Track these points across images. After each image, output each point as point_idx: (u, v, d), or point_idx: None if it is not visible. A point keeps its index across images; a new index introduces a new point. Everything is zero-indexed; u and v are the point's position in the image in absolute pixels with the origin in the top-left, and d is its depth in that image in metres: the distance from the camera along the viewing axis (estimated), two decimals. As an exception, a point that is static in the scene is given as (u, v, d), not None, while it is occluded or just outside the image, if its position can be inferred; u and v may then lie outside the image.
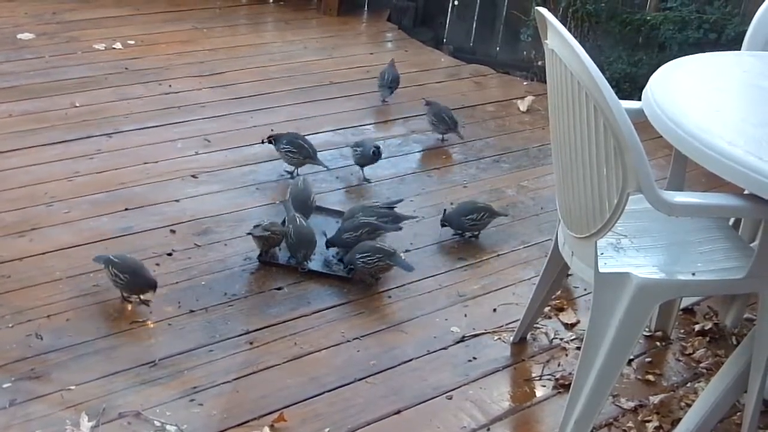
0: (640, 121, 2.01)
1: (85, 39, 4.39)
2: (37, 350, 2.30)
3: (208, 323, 2.48)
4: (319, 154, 3.38)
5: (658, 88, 2.09)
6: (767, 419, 2.28)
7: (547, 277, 2.39)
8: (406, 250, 2.90)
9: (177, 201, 3.08)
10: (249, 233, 2.76)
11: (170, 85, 3.98)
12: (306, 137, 3.32)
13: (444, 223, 2.98)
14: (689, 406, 2.27)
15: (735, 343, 2.57)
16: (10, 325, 2.38)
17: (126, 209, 2.99)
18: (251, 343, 2.42)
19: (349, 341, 2.47)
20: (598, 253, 1.97)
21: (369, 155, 3.27)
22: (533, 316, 2.50)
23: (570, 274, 2.56)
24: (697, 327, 2.65)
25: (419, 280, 2.77)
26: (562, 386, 2.35)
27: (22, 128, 3.47)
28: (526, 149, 3.77)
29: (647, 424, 2.26)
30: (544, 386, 2.38)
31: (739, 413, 2.26)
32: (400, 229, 2.92)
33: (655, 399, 2.34)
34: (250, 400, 2.21)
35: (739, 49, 2.53)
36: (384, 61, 4.36)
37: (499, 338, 2.54)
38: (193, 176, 3.25)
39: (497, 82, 4.54)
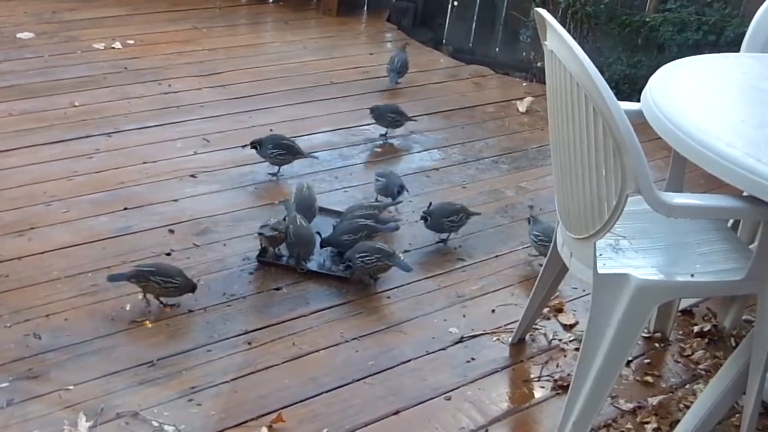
0: (639, 122, 2.01)
1: (84, 38, 4.39)
2: (35, 350, 2.30)
3: (207, 323, 2.48)
4: (317, 154, 3.38)
5: (658, 90, 2.09)
6: (766, 421, 2.28)
7: (545, 278, 2.39)
8: (405, 251, 2.90)
9: (176, 201, 3.08)
10: (260, 233, 2.75)
11: (170, 85, 3.98)
12: (282, 140, 3.29)
13: (426, 217, 2.93)
14: (688, 407, 2.27)
15: (734, 344, 2.57)
16: (8, 325, 2.38)
17: (125, 209, 2.99)
18: (250, 344, 2.42)
19: (347, 341, 2.47)
20: (597, 254, 1.97)
21: (393, 193, 3.08)
22: (532, 317, 2.50)
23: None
24: (695, 328, 2.65)
25: (418, 281, 2.77)
26: (561, 387, 2.35)
27: (22, 127, 3.47)
28: (525, 150, 3.77)
29: (646, 425, 2.26)
30: (543, 387, 2.38)
31: (737, 415, 2.26)
32: (398, 228, 2.92)
33: (653, 400, 2.34)
34: (248, 401, 2.21)
35: (739, 51, 2.53)
36: (384, 62, 4.37)
37: (498, 339, 2.54)
38: (192, 176, 3.25)
39: (496, 82, 4.55)
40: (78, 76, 3.97)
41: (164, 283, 2.46)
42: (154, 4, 4.94)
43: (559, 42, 1.87)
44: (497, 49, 4.98)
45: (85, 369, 2.25)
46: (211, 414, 2.16)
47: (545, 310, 2.61)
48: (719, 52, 2.55)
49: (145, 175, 3.22)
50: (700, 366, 2.50)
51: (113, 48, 4.33)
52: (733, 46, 3.77)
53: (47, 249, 2.73)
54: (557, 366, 2.45)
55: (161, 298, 2.50)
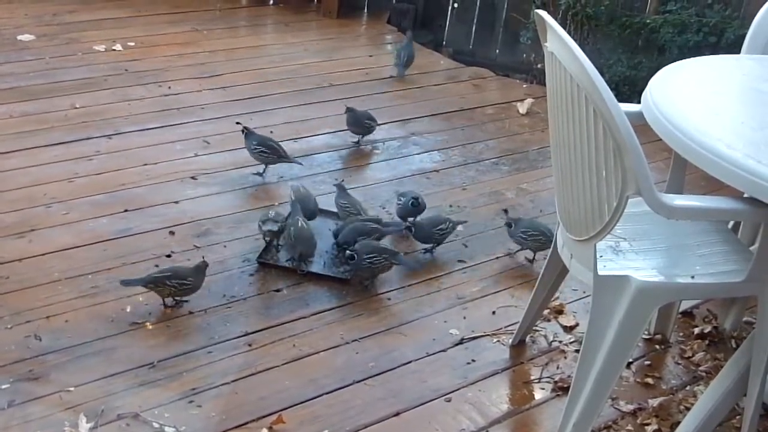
0: (640, 124, 2.01)
1: (85, 40, 4.39)
2: (35, 351, 2.30)
3: (207, 325, 2.48)
4: (318, 156, 3.39)
5: (658, 91, 2.09)
6: (767, 423, 2.28)
7: (546, 279, 2.39)
8: (405, 253, 2.90)
9: (176, 202, 3.08)
10: (265, 229, 2.77)
11: (170, 87, 3.99)
12: (271, 141, 3.29)
13: (410, 227, 2.90)
14: (688, 409, 2.27)
15: (734, 346, 2.57)
16: (9, 326, 2.38)
17: (125, 210, 2.99)
18: (250, 345, 2.42)
19: (348, 343, 2.47)
20: (598, 256, 1.97)
21: (408, 207, 2.98)
22: (532, 319, 2.50)
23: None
24: (696, 330, 2.65)
25: (418, 283, 2.77)
26: (561, 389, 2.35)
27: (22, 129, 3.47)
28: (525, 152, 3.77)
29: (646, 427, 2.26)
30: (543, 389, 2.38)
31: (738, 416, 2.26)
32: (403, 229, 2.94)
33: (654, 402, 2.34)
34: (248, 402, 2.21)
35: (739, 53, 2.53)
36: (385, 63, 4.38)
37: (498, 341, 2.54)
38: (192, 178, 3.25)
39: (497, 84, 4.55)
40: (78, 78, 3.97)
41: (180, 286, 2.49)
42: (155, 6, 4.95)
43: (560, 44, 1.87)
44: (497, 51, 4.98)
45: (85, 370, 2.25)
46: (211, 415, 2.16)
47: (545, 311, 2.61)
48: (719, 54, 2.55)
49: (145, 176, 3.22)
50: (700, 368, 2.50)
51: (114, 50, 4.33)
52: (734, 47, 3.76)
53: (48, 251, 2.73)
54: (557, 368, 2.45)
55: (176, 298, 2.52)
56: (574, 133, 1.92)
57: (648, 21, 4.34)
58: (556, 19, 1.93)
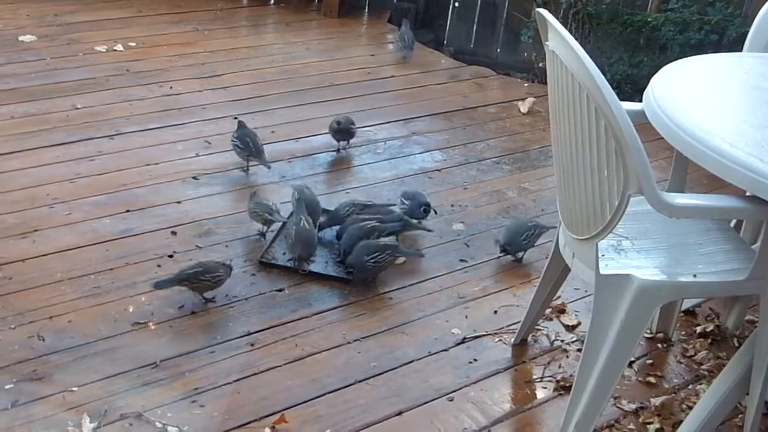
0: (641, 122, 2.01)
1: (86, 41, 4.40)
2: (39, 352, 2.31)
3: (210, 325, 2.48)
4: (319, 156, 3.38)
5: (660, 90, 2.09)
6: (769, 421, 2.28)
7: (548, 278, 2.39)
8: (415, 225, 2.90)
9: (178, 203, 3.08)
10: (251, 205, 2.87)
11: (171, 87, 3.99)
12: (256, 139, 3.30)
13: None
14: (690, 408, 2.27)
15: (736, 344, 2.57)
16: (12, 327, 2.39)
17: (127, 211, 2.99)
18: (252, 345, 2.42)
19: (350, 343, 2.47)
20: (599, 255, 1.97)
21: (419, 213, 2.98)
22: (534, 318, 2.50)
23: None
24: (698, 329, 2.65)
25: (420, 282, 2.77)
26: (563, 388, 2.35)
27: (24, 130, 3.48)
28: (526, 151, 3.77)
29: (648, 426, 2.26)
30: (545, 388, 2.38)
31: (740, 415, 2.26)
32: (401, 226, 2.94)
33: (656, 401, 2.34)
34: (251, 402, 2.22)
35: (741, 51, 2.53)
36: (386, 63, 4.38)
37: (500, 340, 2.54)
38: (194, 178, 3.26)
39: (498, 83, 4.55)
40: (80, 79, 3.98)
41: (213, 279, 2.52)
42: (156, 6, 4.95)
43: (561, 42, 1.87)
44: (498, 50, 4.99)
45: (88, 370, 2.26)
46: (214, 415, 2.16)
47: (547, 311, 2.61)
48: (721, 52, 2.55)
49: (147, 177, 3.23)
50: (702, 366, 2.50)
51: (115, 50, 4.33)
52: (736, 45, 3.76)
53: (50, 251, 2.73)
54: (559, 367, 2.45)
55: (205, 293, 2.56)
56: (575, 132, 1.92)
57: (649, 19, 4.34)
58: (557, 18, 1.93)
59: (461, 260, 2.92)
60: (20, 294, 2.53)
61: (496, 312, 2.66)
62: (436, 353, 2.46)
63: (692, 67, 2.28)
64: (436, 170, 3.52)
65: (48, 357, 2.29)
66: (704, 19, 4.21)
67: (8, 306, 2.46)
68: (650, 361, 2.51)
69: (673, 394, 2.39)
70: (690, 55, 2.39)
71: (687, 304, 2.70)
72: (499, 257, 2.95)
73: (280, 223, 2.89)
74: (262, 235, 2.92)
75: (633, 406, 2.32)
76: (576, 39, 1.84)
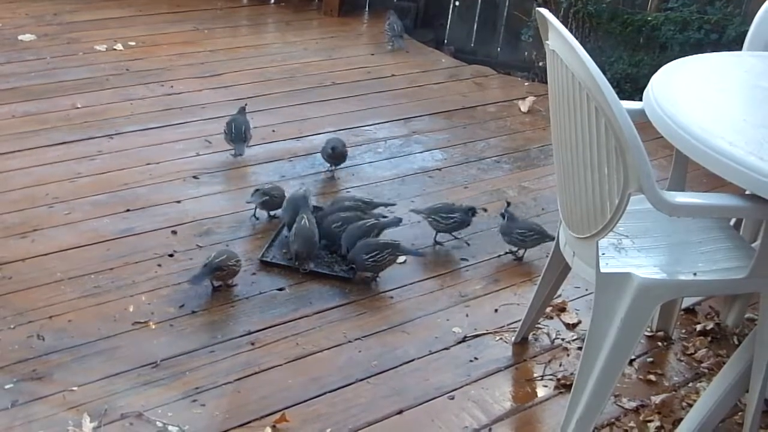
0: (642, 121, 2.01)
1: (86, 40, 4.40)
2: (38, 351, 2.31)
3: (210, 324, 2.48)
4: (319, 156, 3.38)
5: (660, 89, 2.09)
6: (769, 419, 2.28)
7: (548, 277, 2.39)
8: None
9: (178, 202, 3.08)
10: (248, 201, 2.93)
11: (171, 86, 3.99)
12: (244, 128, 3.37)
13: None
14: (691, 405, 2.27)
15: (736, 342, 2.57)
16: (12, 326, 2.39)
17: (127, 210, 2.99)
18: (253, 344, 2.42)
19: (350, 341, 2.47)
20: (600, 254, 1.97)
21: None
22: (535, 317, 2.50)
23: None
24: (698, 327, 2.65)
25: (421, 281, 2.77)
26: (564, 386, 2.35)
27: (24, 129, 3.48)
28: (527, 150, 3.77)
29: (649, 424, 2.26)
30: (546, 386, 2.38)
31: (740, 413, 2.26)
32: (400, 220, 2.96)
33: (656, 399, 2.34)
34: (251, 401, 2.22)
35: (740, 50, 2.53)
36: (386, 62, 4.37)
37: (501, 338, 2.54)
38: (194, 177, 3.26)
39: (498, 82, 4.55)
40: (80, 78, 3.98)
41: (237, 264, 2.60)
42: (156, 5, 4.95)
43: (561, 41, 1.87)
44: (499, 49, 4.98)
45: (88, 370, 2.26)
46: (214, 414, 2.16)
47: (548, 309, 2.61)
48: (721, 51, 2.54)
49: (147, 176, 3.23)
50: (702, 364, 2.50)
51: (115, 50, 4.34)
52: (735, 44, 3.76)
53: (50, 251, 2.73)
54: (560, 365, 2.46)
55: (230, 281, 2.62)
56: (576, 130, 1.92)
57: (649, 18, 4.34)
58: (557, 17, 1.93)
59: (462, 259, 2.92)
60: (20, 293, 2.53)
61: (496, 311, 2.66)
62: (436, 352, 2.47)
63: (692, 66, 2.28)
64: (437, 169, 3.52)
65: (48, 356, 2.29)
66: (704, 18, 4.21)
67: (8, 305, 2.46)
68: (651, 359, 2.51)
69: (674, 392, 2.39)
70: (690, 54, 2.39)
71: (687, 302, 2.70)
72: (500, 256, 2.95)
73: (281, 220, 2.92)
74: (273, 217, 3.02)
75: (633, 404, 2.33)
76: (576, 38, 1.84)
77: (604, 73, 1.79)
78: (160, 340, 2.40)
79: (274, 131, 3.66)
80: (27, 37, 4.37)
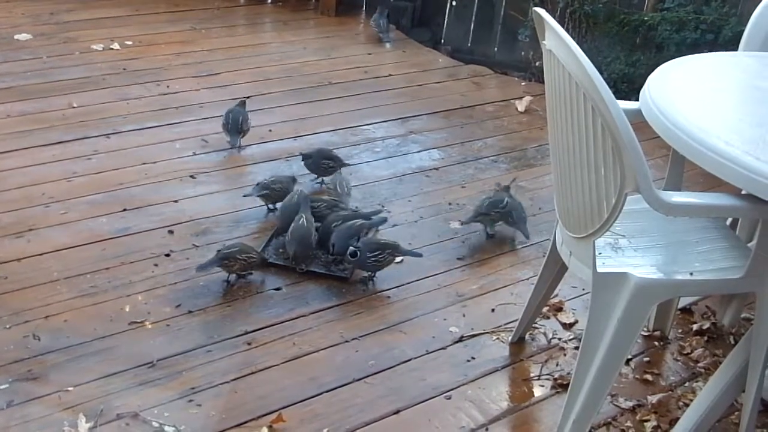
0: (638, 121, 2.01)
1: (82, 39, 4.39)
2: (34, 351, 2.30)
3: (207, 324, 2.48)
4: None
5: (656, 89, 2.09)
6: (765, 419, 2.28)
7: (545, 277, 2.39)
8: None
9: (175, 201, 3.08)
10: (247, 195, 2.97)
11: (168, 86, 3.99)
12: (242, 120, 3.44)
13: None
14: (687, 405, 2.27)
15: (733, 342, 2.58)
16: (8, 326, 2.38)
17: (124, 210, 2.99)
18: (249, 344, 2.42)
19: (347, 341, 2.47)
20: (596, 253, 1.97)
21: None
22: (531, 316, 2.50)
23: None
24: (695, 326, 2.65)
25: (418, 281, 2.77)
26: (561, 386, 2.35)
27: (20, 129, 3.47)
28: (524, 149, 3.77)
29: (645, 423, 2.26)
30: (543, 386, 2.38)
31: (737, 413, 2.26)
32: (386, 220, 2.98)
33: (653, 398, 2.34)
34: (248, 401, 2.21)
35: (737, 50, 2.53)
36: (383, 62, 4.37)
37: (498, 338, 2.54)
38: (191, 177, 3.25)
39: (495, 82, 4.55)
40: (76, 78, 3.97)
41: (248, 259, 2.61)
42: (153, 5, 4.95)
43: (558, 41, 1.87)
44: (496, 49, 4.98)
45: (84, 370, 2.25)
46: (211, 414, 2.16)
47: (545, 309, 2.61)
48: (717, 51, 2.55)
49: (144, 176, 3.22)
50: (699, 364, 2.50)
51: (111, 49, 4.33)
52: (731, 44, 3.76)
53: (46, 250, 2.73)
54: (557, 365, 2.46)
55: (240, 273, 2.64)
56: (572, 130, 1.92)
57: (646, 18, 4.35)
58: (554, 17, 1.93)
59: (459, 258, 2.92)
60: (16, 293, 2.52)
61: (493, 310, 2.66)
62: (433, 351, 2.46)
63: (688, 66, 2.28)
64: (434, 169, 3.52)
65: (44, 357, 2.29)
66: (700, 18, 4.22)
67: (4, 305, 2.46)
68: (647, 359, 2.52)
69: (670, 392, 2.39)
70: (686, 54, 2.39)
71: (684, 302, 2.70)
72: (498, 255, 2.95)
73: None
74: (272, 210, 3.05)
75: (630, 404, 2.33)
76: (573, 38, 1.84)
77: (601, 73, 1.79)
78: (157, 340, 2.39)
79: (271, 131, 3.65)
80: (23, 36, 4.36)
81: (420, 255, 2.82)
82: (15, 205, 2.95)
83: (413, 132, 3.82)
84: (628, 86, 4.17)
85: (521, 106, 4.16)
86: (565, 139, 1.97)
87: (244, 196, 3.02)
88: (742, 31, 2.52)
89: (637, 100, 2.14)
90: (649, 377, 2.44)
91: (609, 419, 2.27)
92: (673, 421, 2.24)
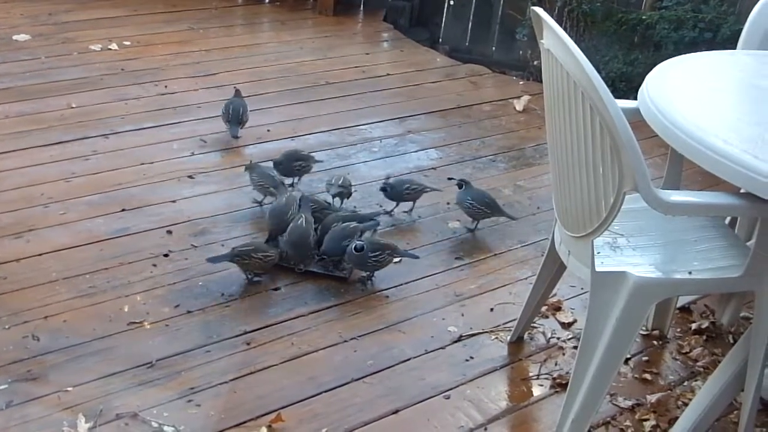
0: (636, 120, 2.01)
1: (81, 40, 4.39)
2: (33, 352, 2.30)
3: (205, 324, 2.48)
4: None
5: (654, 88, 2.09)
6: (764, 417, 2.29)
7: (543, 276, 2.39)
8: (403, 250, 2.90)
9: (173, 202, 3.08)
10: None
11: (166, 86, 3.98)
12: (242, 110, 3.53)
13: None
14: (686, 404, 2.27)
15: (732, 341, 2.58)
16: (7, 327, 2.38)
17: (122, 210, 2.99)
18: (248, 344, 2.42)
19: (346, 341, 2.47)
20: (595, 252, 1.97)
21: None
22: (530, 316, 2.50)
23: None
24: (693, 325, 2.65)
25: (416, 280, 2.77)
26: (560, 385, 2.35)
27: (18, 129, 3.47)
28: (522, 149, 3.77)
29: (644, 422, 2.27)
30: (542, 385, 2.38)
31: (736, 412, 2.26)
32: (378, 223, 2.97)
33: (652, 398, 2.34)
34: (247, 401, 2.21)
35: (735, 48, 2.53)
36: (381, 61, 4.37)
37: (497, 338, 2.54)
38: (189, 177, 3.25)
39: (493, 81, 4.55)
40: (74, 78, 3.97)
41: (264, 258, 2.62)
42: (151, 5, 4.94)
43: (556, 40, 1.87)
44: (494, 48, 4.99)
45: (84, 370, 2.25)
46: (210, 414, 2.16)
47: (543, 308, 2.61)
48: (716, 50, 2.55)
49: (142, 176, 3.22)
50: (698, 363, 2.50)
51: (110, 49, 4.33)
52: (730, 43, 3.76)
53: (45, 251, 2.73)
54: (556, 364, 2.46)
55: (255, 271, 2.65)
56: (570, 129, 1.92)
57: (644, 17, 4.35)
58: (552, 16, 1.93)
59: (457, 258, 2.92)
60: (15, 294, 2.52)
61: (492, 310, 2.66)
62: (432, 351, 2.46)
63: (687, 65, 2.28)
64: (432, 168, 3.52)
65: (43, 357, 2.29)
66: (698, 17, 4.22)
67: (3, 306, 2.46)
68: (646, 358, 2.52)
69: (669, 391, 2.39)
70: (684, 53, 2.39)
71: (682, 300, 2.70)
72: (496, 254, 2.95)
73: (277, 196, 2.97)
74: (260, 204, 3.06)
75: (629, 403, 2.33)
76: (571, 37, 1.84)
77: (599, 72, 1.79)
78: (156, 340, 2.39)
79: (269, 131, 3.65)
80: (22, 37, 4.36)
81: (417, 257, 2.82)
82: (14, 206, 2.95)
83: (411, 132, 3.82)
84: (626, 85, 4.17)
85: (519, 105, 4.16)
86: (564, 138, 1.97)
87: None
88: (741, 29, 2.52)
89: (636, 98, 2.14)
90: (648, 376, 2.44)
91: (608, 418, 2.27)
92: (672, 421, 2.24)
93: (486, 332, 2.56)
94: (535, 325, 2.59)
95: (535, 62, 4.43)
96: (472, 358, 2.45)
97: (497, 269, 2.88)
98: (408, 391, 2.30)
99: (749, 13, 2.52)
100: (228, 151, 3.45)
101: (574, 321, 2.63)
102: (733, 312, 2.65)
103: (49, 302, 2.49)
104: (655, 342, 2.59)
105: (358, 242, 2.67)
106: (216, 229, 2.94)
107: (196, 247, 2.82)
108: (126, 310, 2.50)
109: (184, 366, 2.31)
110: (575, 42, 1.82)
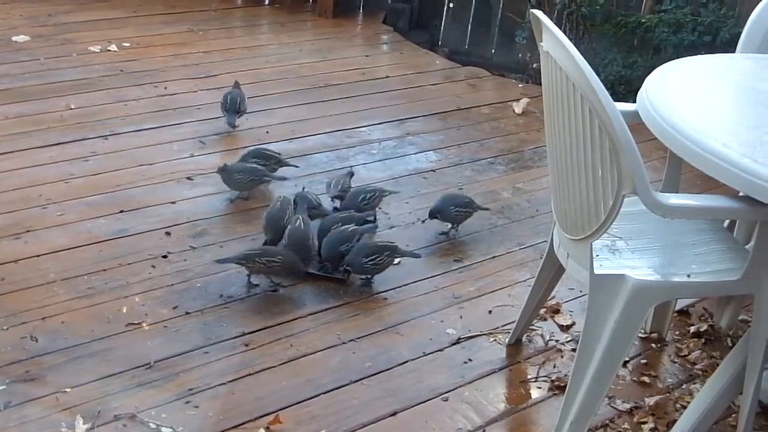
0: (635, 123, 2.01)
1: (80, 41, 4.39)
2: (32, 352, 2.30)
3: (204, 325, 2.48)
4: (314, 157, 3.38)
5: (653, 91, 2.10)
6: (763, 420, 2.28)
7: (542, 278, 2.39)
8: (402, 253, 2.90)
9: (172, 203, 3.08)
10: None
11: (165, 87, 3.98)
12: (239, 100, 3.59)
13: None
14: (685, 407, 2.27)
15: (730, 344, 2.58)
16: (5, 328, 2.38)
17: (121, 211, 2.99)
18: (247, 345, 2.42)
19: (344, 343, 2.47)
20: (594, 255, 1.97)
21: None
22: (529, 318, 2.50)
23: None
24: (692, 329, 2.65)
25: (415, 282, 2.77)
26: (558, 388, 2.35)
27: (17, 130, 3.47)
28: (521, 151, 3.77)
29: (643, 425, 2.27)
30: (540, 388, 2.38)
31: (734, 415, 2.26)
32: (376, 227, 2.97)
33: (650, 400, 2.34)
34: (246, 402, 2.21)
35: (734, 52, 2.54)
36: (380, 63, 4.37)
37: (495, 340, 2.54)
38: (188, 178, 3.25)
39: (492, 84, 4.55)
40: (74, 79, 3.97)
41: (268, 263, 2.60)
42: (150, 6, 4.94)
43: (555, 43, 1.88)
44: (493, 51, 4.99)
45: (82, 371, 2.25)
46: (208, 416, 2.16)
47: (542, 311, 2.61)
48: (715, 53, 2.55)
49: (141, 177, 3.22)
50: (696, 366, 2.51)
51: (109, 51, 4.33)
52: (729, 46, 3.76)
53: (43, 252, 2.72)
54: (554, 367, 2.46)
55: (271, 277, 2.65)
56: (570, 132, 1.92)
57: (643, 20, 4.35)
58: (551, 19, 1.93)
59: (456, 260, 2.92)
60: (13, 295, 2.52)
61: (490, 312, 2.66)
62: (430, 353, 2.46)
63: (686, 68, 2.28)
64: (431, 170, 3.52)
65: (41, 358, 2.28)
66: (698, 20, 4.22)
67: (1, 307, 2.45)
68: (644, 361, 2.52)
69: (668, 394, 2.39)
70: (683, 56, 2.40)
71: (681, 304, 2.71)
72: (495, 257, 2.95)
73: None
74: (245, 199, 3.10)
75: (627, 406, 2.33)
76: (570, 40, 1.84)
77: (598, 75, 1.79)
78: (154, 342, 2.39)
79: (268, 132, 3.65)
80: (21, 38, 4.36)
81: (419, 256, 2.82)
82: (12, 207, 2.95)
83: (410, 134, 3.82)
84: (625, 88, 4.17)
85: (518, 107, 4.17)
86: (563, 140, 1.97)
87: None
88: (740, 33, 2.53)
89: (635, 101, 2.14)
90: (646, 379, 2.44)
91: (606, 421, 2.27)
92: (671, 423, 2.24)
93: (484, 334, 2.56)
94: (533, 327, 2.59)
95: (535, 65, 4.44)
96: (470, 360, 2.45)
97: (496, 271, 2.88)
98: (406, 393, 2.30)
99: (748, 17, 2.53)
100: (227, 152, 3.45)
101: (573, 323, 2.63)
102: (731, 315, 2.65)
103: (47, 303, 2.49)
104: (653, 345, 2.59)
105: (344, 268, 2.68)
106: (215, 230, 2.94)
107: (194, 248, 2.82)
108: (124, 311, 2.50)
109: (182, 367, 2.31)
110: (574, 45, 1.82)
